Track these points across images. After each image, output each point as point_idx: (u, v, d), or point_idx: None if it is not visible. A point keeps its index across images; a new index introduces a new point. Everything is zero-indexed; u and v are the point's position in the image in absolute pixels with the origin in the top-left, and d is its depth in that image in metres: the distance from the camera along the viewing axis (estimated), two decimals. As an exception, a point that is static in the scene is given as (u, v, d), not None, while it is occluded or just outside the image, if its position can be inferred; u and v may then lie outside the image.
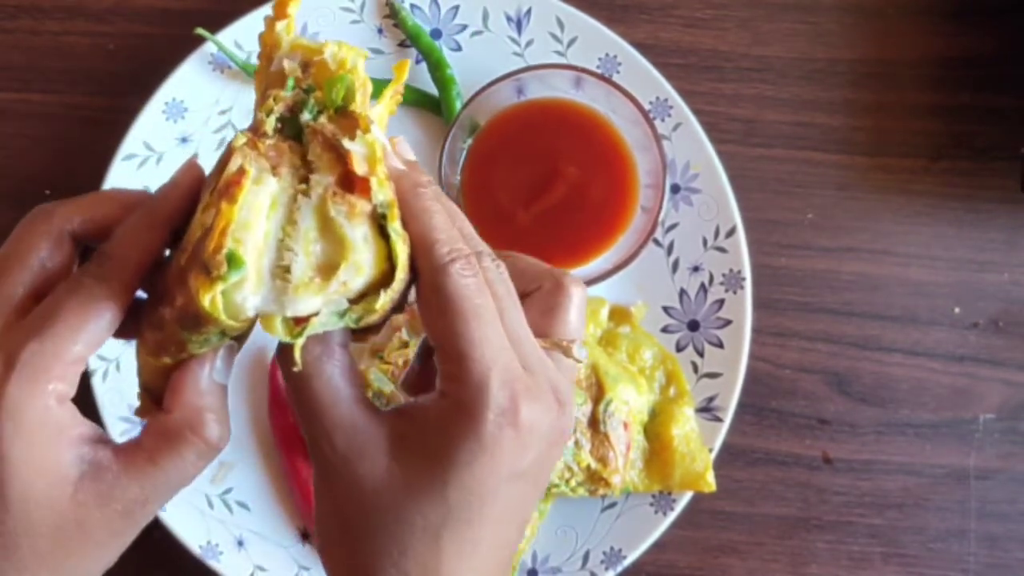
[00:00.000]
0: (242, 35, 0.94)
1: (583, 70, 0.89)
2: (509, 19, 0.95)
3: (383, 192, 0.49)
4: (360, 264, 0.48)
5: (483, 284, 0.51)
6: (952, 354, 0.96)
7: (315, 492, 0.54)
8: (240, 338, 0.53)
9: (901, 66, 0.98)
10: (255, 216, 0.48)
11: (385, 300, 0.49)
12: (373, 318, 0.49)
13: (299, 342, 0.49)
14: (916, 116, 0.97)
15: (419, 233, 0.51)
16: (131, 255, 0.51)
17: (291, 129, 0.51)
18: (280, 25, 0.52)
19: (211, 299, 0.47)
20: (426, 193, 0.52)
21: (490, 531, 0.51)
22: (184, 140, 0.94)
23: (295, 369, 0.49)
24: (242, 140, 0.49)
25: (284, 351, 0.51)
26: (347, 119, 0.50)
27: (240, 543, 0.93)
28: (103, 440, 0.53)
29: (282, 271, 0.48)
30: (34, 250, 0.52)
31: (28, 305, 0.52)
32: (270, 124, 0.50)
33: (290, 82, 0.51)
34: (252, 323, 0.50)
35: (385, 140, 0.51)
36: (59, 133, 0.98)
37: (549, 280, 0.57)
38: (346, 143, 0.49)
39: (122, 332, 0.53)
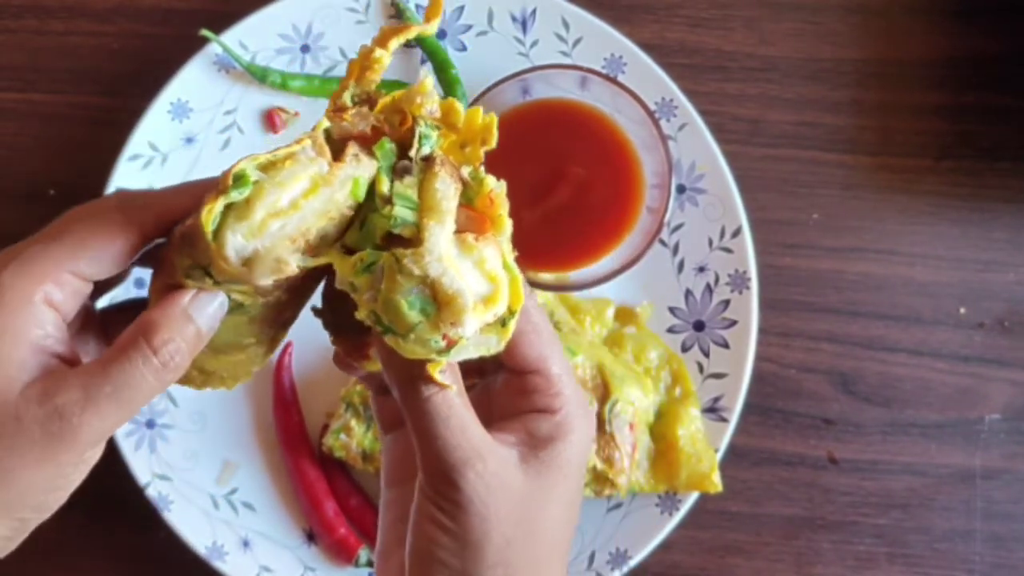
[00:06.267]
0: (246, 36, 0.94)
1: (588, 70, 0.89)
2: (514, 19, 0.95)
3: (509, 227, 0.52)
4: (504, 295, 0.51)
5: None
6: (957, 354, 0.96)
7: (439, 521, 0.54)
8: (248, 307, 0.54)
9: (906, 66, 0.98)
10: (291, 181, 0.50)
11: (513, 326, 0.52)
12: (502, 346, 0.52)
13: (440, 365, 0.52)
14: (921, 116, 0.97)
15: None
16: (157, 204, 0.54)
17: (387, 161, 0.52)
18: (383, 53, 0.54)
19: (209, 209, 0.49)
20: None
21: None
22: (189, 140, 0.94)
23: (452, 389, 0.53)
24: (324, 125, 0.52)
25: (413, 376, 0.53)
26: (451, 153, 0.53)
27: (246, 544, 0.93)
28: (74, 362, 0.54)
29: (305, 242, 0.50)
30: (100, 242, 0.54)
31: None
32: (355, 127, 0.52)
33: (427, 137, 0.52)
34: (243, 282, 0.51)
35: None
36: (63, 133, 0.98)
37: None
38: (490, 182, 0.52)
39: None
